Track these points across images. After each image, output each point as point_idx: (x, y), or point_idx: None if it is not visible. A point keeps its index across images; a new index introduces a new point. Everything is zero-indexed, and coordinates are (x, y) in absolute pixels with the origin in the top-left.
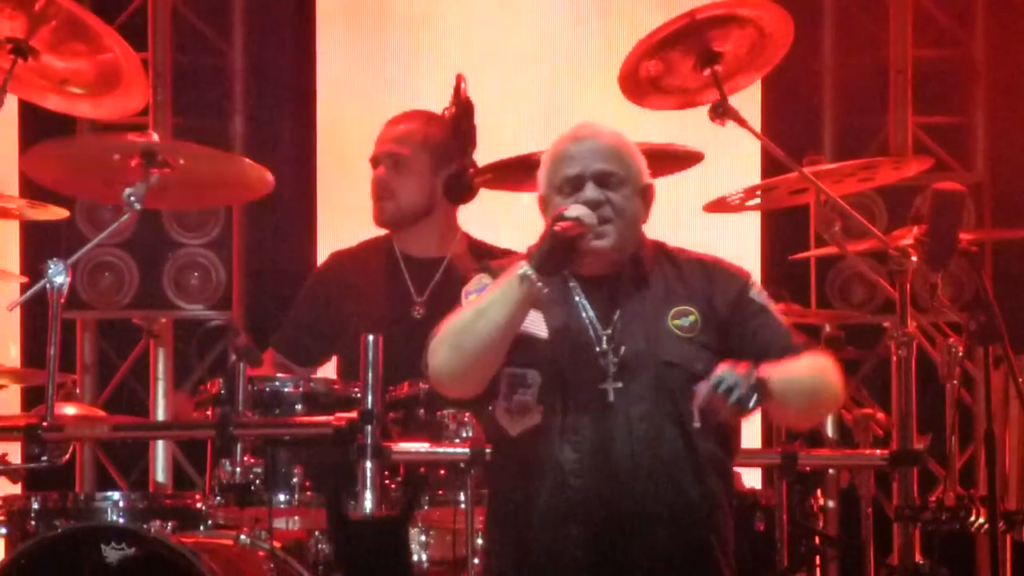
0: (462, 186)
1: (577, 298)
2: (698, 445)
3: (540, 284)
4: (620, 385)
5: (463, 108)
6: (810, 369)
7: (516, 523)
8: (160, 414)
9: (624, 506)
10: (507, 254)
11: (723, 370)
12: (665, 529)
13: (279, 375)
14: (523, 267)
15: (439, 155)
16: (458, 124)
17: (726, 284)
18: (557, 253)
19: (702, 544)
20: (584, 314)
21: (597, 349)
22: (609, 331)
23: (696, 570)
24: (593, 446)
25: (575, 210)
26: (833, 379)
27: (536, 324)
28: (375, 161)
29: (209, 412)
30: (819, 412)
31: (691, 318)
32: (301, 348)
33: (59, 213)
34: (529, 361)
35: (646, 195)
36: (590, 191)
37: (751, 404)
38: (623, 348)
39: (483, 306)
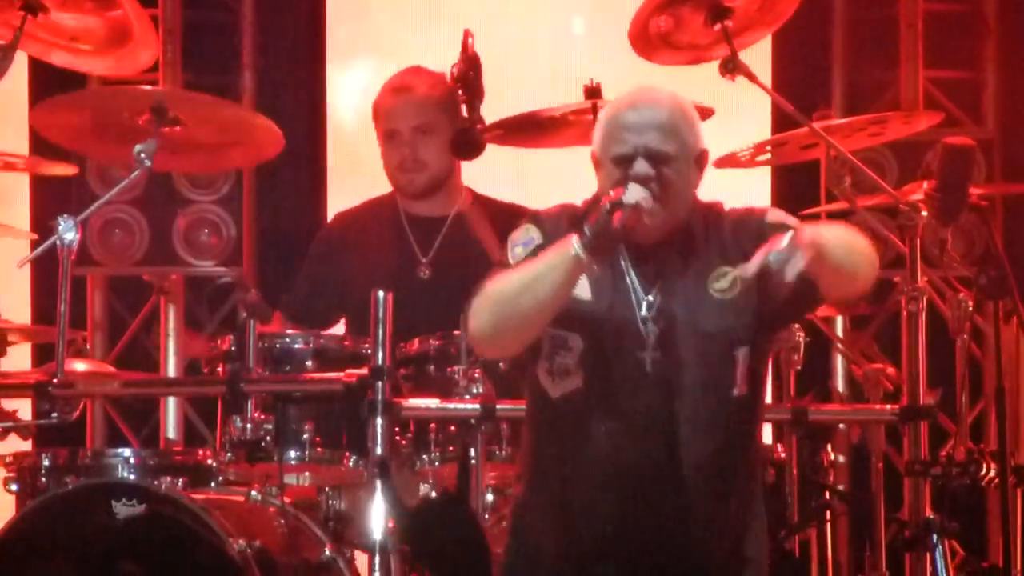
0: (470, 142)
1: (623, 263)
2: (739, 412)
3: (590, 263)
4: (659, 354)
5: (471, 63)
6: (839, 229)
7: (551, 482)
8: (171, 370)
9: (659, 475)
10: (512, 209)
11: (767, 253)
12: (699, 498)
13: (289, 331)
14: (575, 245)
15: (453, 114)
16: (465, 80)
17: (748, 226)
18: (611, 237)
19: (732, 513)
20: (628, 280)
21: (638, 317)
22: (651, 298)
23: (728, 540)
24: (630, 415)
25: (633, 194)
26: (863, 240)
27: (581, 287)
28: (391, 135)
29: (220, 368)
30: (859, 269)
31: (729, 277)
32: (309, 311)
33: (69, 169)
34: (571, 324)
35: (700, 161)
36: (640, 166)
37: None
38: (663, 317)
39: (529, 279)
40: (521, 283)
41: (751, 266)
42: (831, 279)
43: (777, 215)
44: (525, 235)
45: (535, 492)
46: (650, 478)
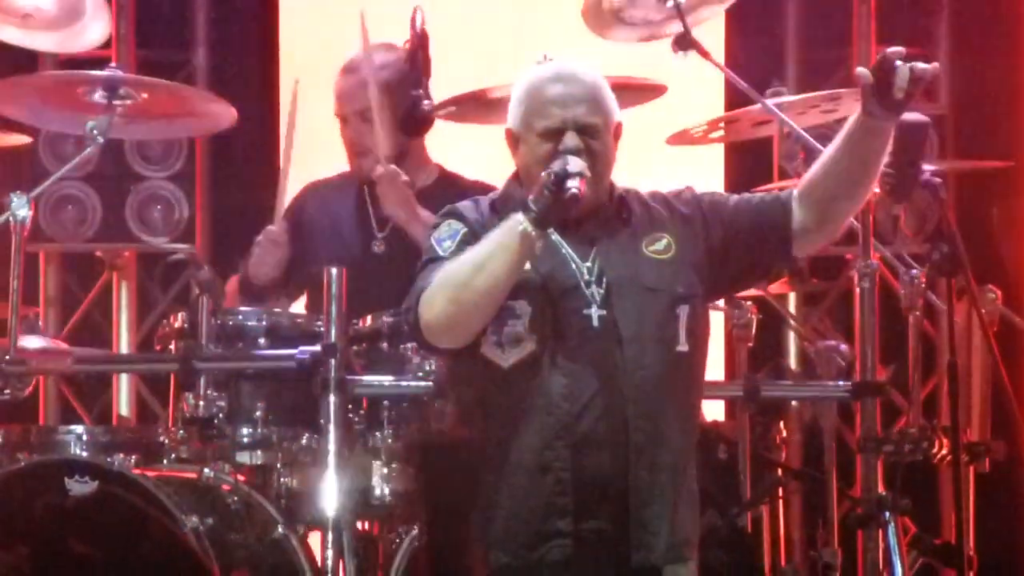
0: (417, 119)
1: (554, 236)
2: (681, 368)
3: (539, 238)
4: (604, 312)
5: (419, 41)
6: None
7: (507, 449)
8: (124, 347)
9: (609, 428)
10: (478, 186)
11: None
12: (648, 450)
13: (242, 308)
14: (522, 222)
15: (402, 95)
16: (414, 56)
17: (679, 199)
18: (560, 208)
19: (679, 467)
20: (563, 249)
21: (581, 280)
22: (589, 263)
23: (672, 491)
24: (581, 372)
25: (575, 164)
26: None
27: None
28: (343, 119)
29: (172, 346)
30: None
31: (664, 241)
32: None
33: (21, 140)
34: (518, 293)
35: (617, 134)
36: (570, 139)
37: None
38: (605, 277)
39: (480, 260)
40: (474, 265)
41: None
42: (840, 176)
43: (700, 191)
44: (448, 229)
45: (491, 465)
46: (601, 428)
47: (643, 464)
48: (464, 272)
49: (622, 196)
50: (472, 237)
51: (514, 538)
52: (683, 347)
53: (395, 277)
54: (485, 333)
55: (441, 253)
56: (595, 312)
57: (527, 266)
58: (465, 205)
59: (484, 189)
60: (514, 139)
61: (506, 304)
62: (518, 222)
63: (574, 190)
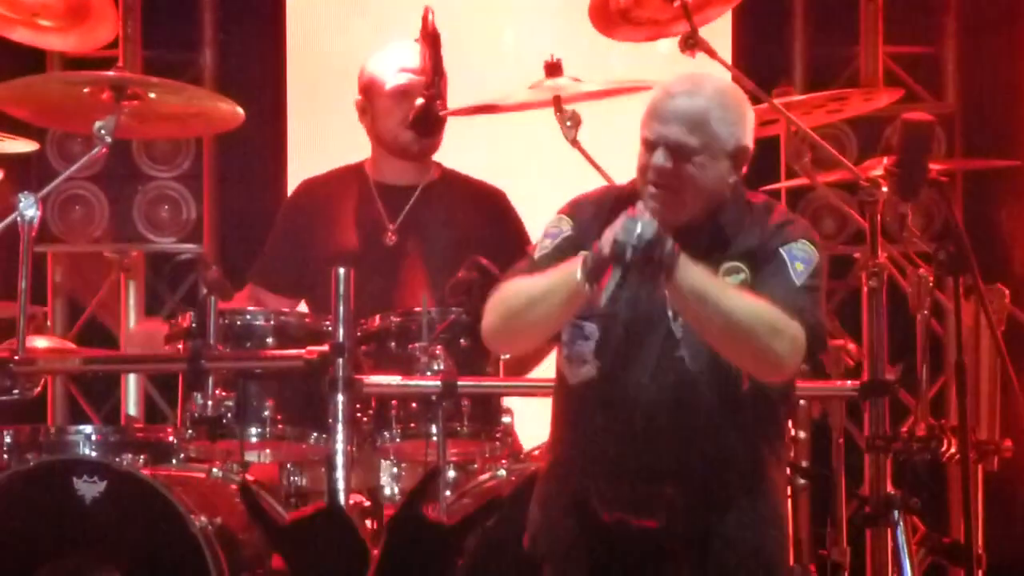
0: (430, 119)
1: None
2: (743, 406)
3: (591, 290)
4: (683, 351)
5: (430, 40)
6: (760, 309)
7: (564, 459)
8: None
9: (662, 464)
10: (480, 186)
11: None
12: (699, 482)
13: (250, 308)
14: (579, 270)
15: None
16: (425, 56)
17: (772, 230)
18: (604, 271)
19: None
20: None
21: (669, 312)
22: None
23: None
24: (644, 400)
25: (629, 231)
26: (780, 341)
27: None
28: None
29: (180, 345)
30: (739, 354)
31: (741, 276)
32: (280, 278)
33: (29, 145)
34: (588, 313)
35: (736, 157)
36: (659, 157)
37: (635, 257)
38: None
39: (536, 296)
40: (528, 299)
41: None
42: (706, 337)
43: (794, 250)
44: (556, 226)
45: (554, 464)
46: (648, 470)
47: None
48: (519, 303)
49: (734, 214)
50: (571, 245)
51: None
52: (745, 384)
53: (408, 268)
54: (561, 343)
55: (539, 251)
56: (686, 353)
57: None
58: (591, 195)
59: (486, 189)
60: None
61: (577, 322)
62: (574, 273)
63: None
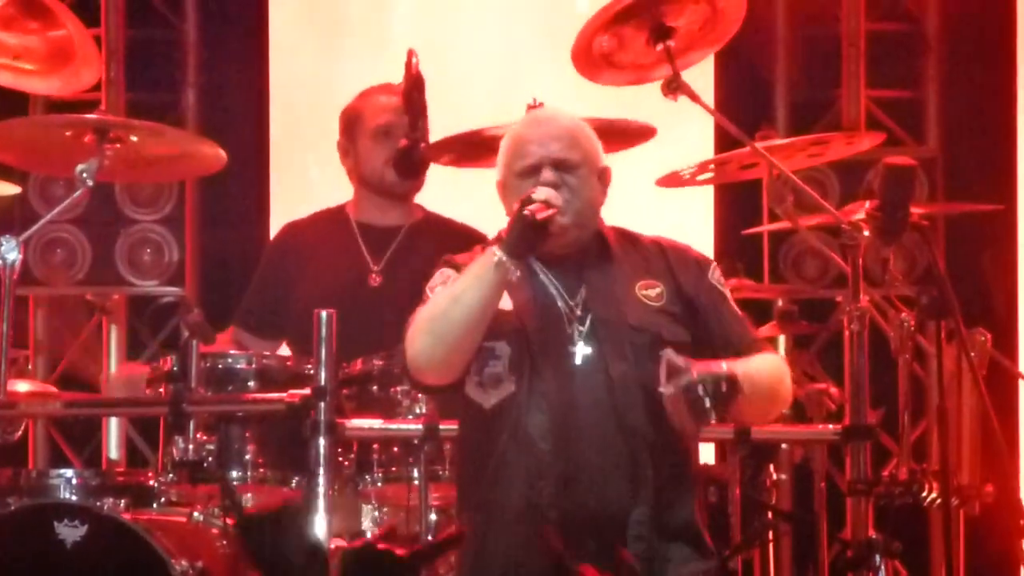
0: (413, 161)
1: (541, 275)
2: (662, 409)
3: (513, 268)
4: (589, 351)
5: (414, 83)
6: (771, 372)
7: (493, 489)
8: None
9: (593, 465)
10: (464, 230)
11: (699, 373)
12: (624, 485)
13: (232, 351)
14: (496, 253)
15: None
16: (409, 99)
17: (687, 265)
18: (529, 235)
19: (664, 503)
20: (549, 285)
21: (564, 316)
22: (575, 301)
23: (661, 528)
24: (561, 409)
25: (542, 192)
26: (788, 384)
27: (502, 299)
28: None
29: (162, 389)
30: (772, 415)
31: (658, 289)
32: (264, 321)
33: (11, 189)
34: (496, 334)
35: (603, 177)
36: (547, 174)
37: (722, 406)
38: (590, 314)
39: (457, 292)
40: (449, 298)
41: (671, 384)
42: (739, 416)
43: (720, 281)
44: (441, 277)
45: (470, 501)
46: (584, 465)
47: (633, 501)
48: (441, 304)
49: (600, 232)
50: None
51: None
52: (664, 389)
53: (393, 310)
54: (469, 374)
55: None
56: (579, 350)
57: (509, 305)
58: (462, 255)
59: (470, 233)
60: (503, 188)
61: (486, 346)
62: (492, 253)
63: (539, 215)
